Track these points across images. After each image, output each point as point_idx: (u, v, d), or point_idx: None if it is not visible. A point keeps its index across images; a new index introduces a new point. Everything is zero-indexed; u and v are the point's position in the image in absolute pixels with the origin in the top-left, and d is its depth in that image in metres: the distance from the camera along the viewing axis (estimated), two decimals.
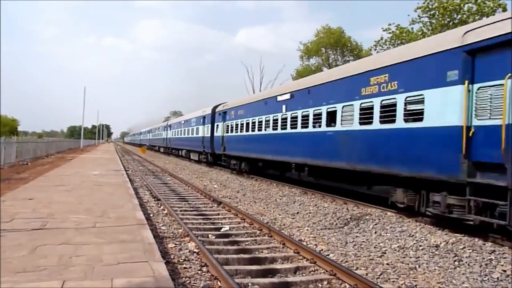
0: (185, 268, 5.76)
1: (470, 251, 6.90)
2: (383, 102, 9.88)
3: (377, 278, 5.74)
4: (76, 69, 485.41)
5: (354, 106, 11.01)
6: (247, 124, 20.15)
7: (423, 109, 8.68)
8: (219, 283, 5.17)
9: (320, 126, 12.97)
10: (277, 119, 16.44)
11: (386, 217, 9.67)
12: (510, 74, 6.81)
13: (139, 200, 10.91)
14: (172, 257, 6.21)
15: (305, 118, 13.97)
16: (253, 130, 19.29)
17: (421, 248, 7.24)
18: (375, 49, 34.72)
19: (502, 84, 6.96)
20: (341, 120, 11.66)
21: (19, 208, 8.23)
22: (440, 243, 7.33)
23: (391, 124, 9.60)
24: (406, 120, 9.20)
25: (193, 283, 5.20)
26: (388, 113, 9.68)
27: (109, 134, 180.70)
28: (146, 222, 7.50)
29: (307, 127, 13.81)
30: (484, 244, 7.21)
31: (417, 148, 8.84)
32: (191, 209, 10.88)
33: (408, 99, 9.15)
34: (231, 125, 22.96)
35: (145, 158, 37.27)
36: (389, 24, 32.82)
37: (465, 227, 7.90)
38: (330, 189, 13.95)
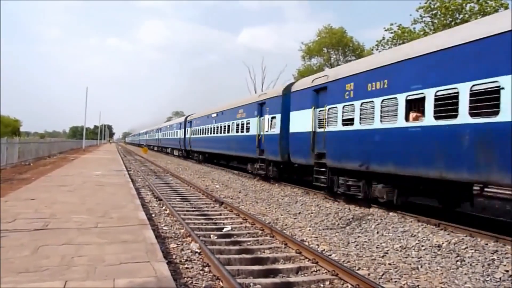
0: (187, 268, 5.76)
1: (473, 251, 6.89)
2: (242, 122, 21.24)
3: (379, 278, 5.73)
4: (78, 69, 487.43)
5: (234, 123, 22.58)
6: (200, 130, 31.73)
7: (249, 126, 19.88)
8: (221, 283, 5.18)
9: (225, 132, 24.61)
10: (211, 128, 27.99)
11: (388, 217, 9.66)
12: (267, 115, 17.70)
13: (141, 200, 10.92)
14: (174, 257, 6.21)
15: (221, 128, 25.55)
16: (202, 134, 30.87)
17: (423, 248, 7.23)
18: (377, 49, 34.67)
19: (263, 118, 17.92)
20: (230, 130, 23.45)
21: (21, 208, 8.25)
22: (442, 243, 7.32)
23: (243, 133, 20.94)
24: (246, 131, 20.35)
25: (195, 283, 5.20)
26: (242, 127, 21.03)
27: (111, 134, 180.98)
28: (148, 222, 7.50)
29: (221, 133, 25.53)
30: (487, 244, 7.20)
31: (248, 144, 19.61)
32: (193, 209, 10.88)
33: (247, 121, 20.37)
34: (193, 130, 34.57)
35: (147, 159, 37.31)
36: (391, 24, 32.82)
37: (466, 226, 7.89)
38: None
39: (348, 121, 11.37)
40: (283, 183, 16.71)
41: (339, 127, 11.81)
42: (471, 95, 7.54)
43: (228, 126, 23.67)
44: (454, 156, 7.94)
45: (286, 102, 15.86)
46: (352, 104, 11.14)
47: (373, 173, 10.48)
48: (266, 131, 17.50)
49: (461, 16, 29.23)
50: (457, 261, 6.51)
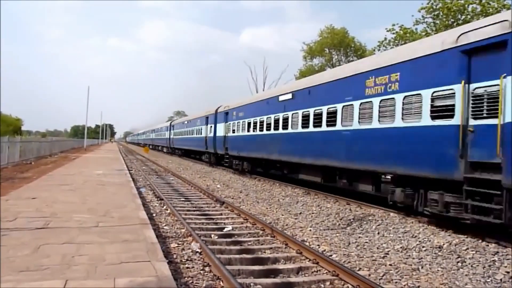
0: (187, 268, 5.76)
1: (473, 252, 6.88)
2: (198, 128, 32.59)
3: (380, 279, 5.73)
4: (79, 69, 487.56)
5: (195, 128, 33.82)
6: (179, 132, 43.13)
7: (202, 131, 31.13)
8: (221, 283, 5.18)
9: (190, 134, 35.65)
10: (184, 131, 39.26)
11: (389, 217, 9.65)
12: (209, 125, 29.35)
13: (142, 199, 10.92)
14: (174, 256, 6.22)
15: (189, 131, 36.36)
16: (180, 135, 42.20)
17: (424, 249, 7.22)
18: (379, 49, 34.64)
19: (207, 126, 29.50)
20: (193, 133, 34.61)
21: (22, 207, 8.26)
22: (443, 244, 7.31)
23: (199, 135, 32.11)
24: (200, 134, 31.53)
25: (196, 283, 5.20)
26: (198, 131, 32.57)
27: (113, 133, 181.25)
28: (149, 221, 7.50)
29: (189, 134, 36.55)
30: (488, 245, 7.19)
31: (201, 142, 30.70)
32: (194, 209, 10.89)
33: (200, 127, 31.68)
34: (175, 132, 45.63)
35: (148, 158, 37.36)
36: (393, 25, 32.76)
37: (467, 226, 7.88)
38: (332, 190, 13.91)
39: (233, 131, 22.78)
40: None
41: (231, 133, 23.22)
42: (260, 123, 18.53)
43: (192, 130, 35.17)
44: (256, 147, 18.89)
45: (216, 117, 27.03)
46: (235, 122, 22.60)
47: (243, 157, 21.04)
48: (208, 135, 28.73)
49: (463, 17, 29.18)
50: (458, 262, 6.50)
